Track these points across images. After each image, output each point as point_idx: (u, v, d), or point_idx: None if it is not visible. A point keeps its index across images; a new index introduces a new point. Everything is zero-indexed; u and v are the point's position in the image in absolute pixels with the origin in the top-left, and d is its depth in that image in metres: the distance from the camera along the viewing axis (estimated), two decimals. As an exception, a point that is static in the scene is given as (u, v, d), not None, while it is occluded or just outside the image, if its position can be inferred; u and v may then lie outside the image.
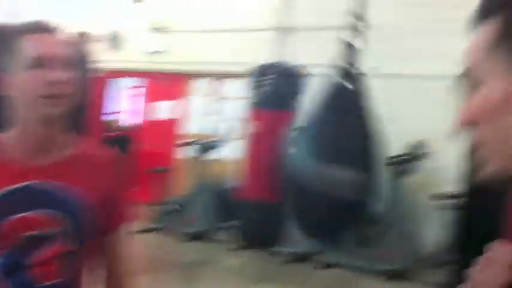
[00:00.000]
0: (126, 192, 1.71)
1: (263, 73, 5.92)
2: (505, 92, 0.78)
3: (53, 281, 1.54)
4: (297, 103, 5.51)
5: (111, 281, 1.70)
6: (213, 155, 7.83)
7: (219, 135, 8.21)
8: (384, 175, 6.78)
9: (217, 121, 8.76)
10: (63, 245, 1.54)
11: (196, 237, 7.34)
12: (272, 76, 5.69)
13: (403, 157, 6.84)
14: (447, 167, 7.01)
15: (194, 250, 7.07)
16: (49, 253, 1.53)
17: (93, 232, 1.59)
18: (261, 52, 7.88)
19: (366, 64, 7.61)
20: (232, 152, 8.54)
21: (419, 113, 7.22)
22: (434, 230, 6.68)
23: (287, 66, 5.78)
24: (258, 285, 6.11)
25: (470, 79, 0.83)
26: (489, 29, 0.81)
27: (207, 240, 7.12)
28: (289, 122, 5.49)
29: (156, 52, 9.12)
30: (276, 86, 5.67)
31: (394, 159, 6.76)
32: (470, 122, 0.82)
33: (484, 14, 0.83)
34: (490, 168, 0.82)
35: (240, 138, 8.42)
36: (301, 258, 6.69)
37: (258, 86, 5.77)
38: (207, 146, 7.77)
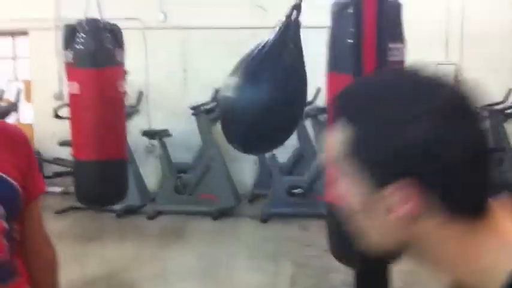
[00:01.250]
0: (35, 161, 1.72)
1: (73, 31, 5.75)
2: (361, 202, 0.85)
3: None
4: (121, 58, 5.53)
5: (32, 249, 1.71)
6: (9, 119, 7.37)
7: (10, 98, 7.72)
8: (192, 125, 7.16)
9: (6, 83, 8.22)
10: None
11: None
12: (84, 34, 5.58)
13: (208, 105, 7.22)
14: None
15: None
16: None
17: (19, 206, 1.61)
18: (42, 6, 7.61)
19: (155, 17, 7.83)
20: (29, 115, 8.15)
21: (216, 63, 7.69)
22: (249, 168, 7.35)
23: (98, 22, 5.72)
24: (91, 244, 6.08)
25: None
26: (343, 134, 0.85)
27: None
28: (118, 77, 5.49)
29: None
30: (91, 44, 5.59)
31: (201, 108, 7.11)
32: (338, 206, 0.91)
33: (335, 112, 0.88)
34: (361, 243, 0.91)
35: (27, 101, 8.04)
36: (131, 211, 6.84)
37: (69, 44, 5.61)
38: (3, 111, 7.28)
